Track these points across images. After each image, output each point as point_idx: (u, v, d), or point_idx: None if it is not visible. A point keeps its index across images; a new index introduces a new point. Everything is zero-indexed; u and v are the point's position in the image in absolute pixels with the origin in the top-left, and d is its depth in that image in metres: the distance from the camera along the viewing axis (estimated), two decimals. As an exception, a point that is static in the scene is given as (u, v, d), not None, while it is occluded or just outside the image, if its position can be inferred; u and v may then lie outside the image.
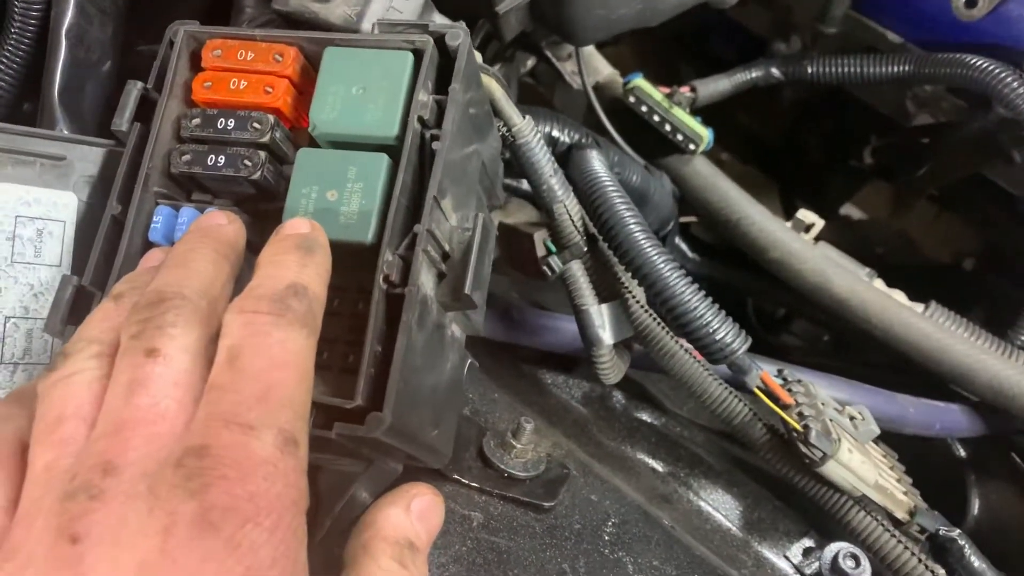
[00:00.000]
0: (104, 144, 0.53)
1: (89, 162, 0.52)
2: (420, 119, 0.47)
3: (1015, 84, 0.78)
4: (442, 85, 0.49)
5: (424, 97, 0.47)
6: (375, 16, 0.55)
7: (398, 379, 0.43)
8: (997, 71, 0.80)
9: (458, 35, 0.48)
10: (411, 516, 0.45)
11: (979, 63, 0.81)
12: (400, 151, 0.47)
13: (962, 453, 0.92)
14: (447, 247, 0.48)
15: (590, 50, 0.92)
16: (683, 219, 0.98)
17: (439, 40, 0.48)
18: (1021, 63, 0.81)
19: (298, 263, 0.41)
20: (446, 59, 0.49)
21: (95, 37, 0.54)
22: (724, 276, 1.00)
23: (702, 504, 0.65)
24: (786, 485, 0.66)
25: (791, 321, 1.10)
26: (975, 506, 0.89)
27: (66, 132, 0.54)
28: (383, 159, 0.46)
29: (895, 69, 0.89)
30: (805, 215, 0.87)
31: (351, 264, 0.48)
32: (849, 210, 1.36)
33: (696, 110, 0.90)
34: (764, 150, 1.34)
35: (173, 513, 0.31)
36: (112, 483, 0.33)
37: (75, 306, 0.47)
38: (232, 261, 0.43)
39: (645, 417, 0.71)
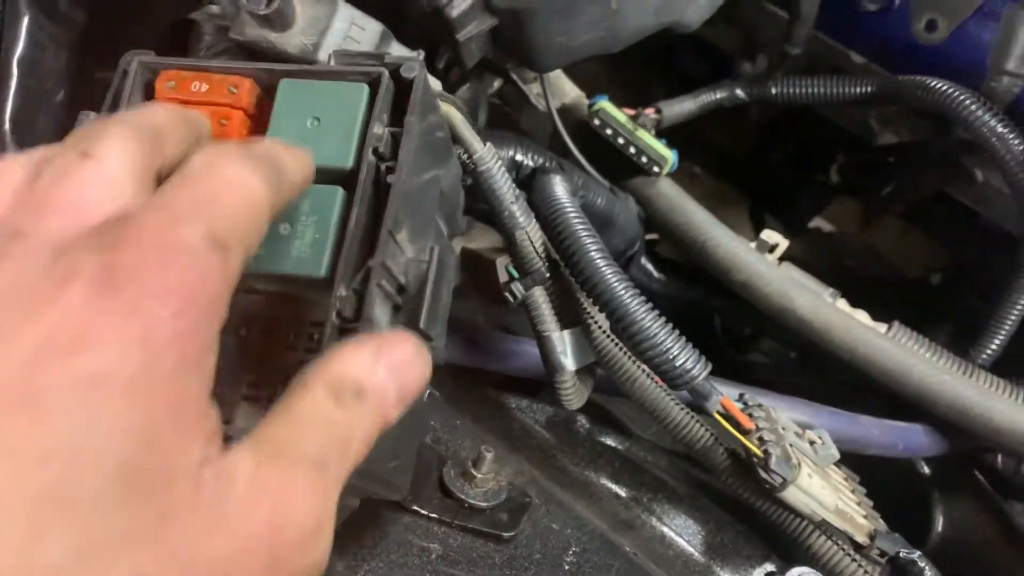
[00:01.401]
0: (56, 174, 0.52)
1: (41, 193, 0.51)
2: (375, 151, 0.47)
3: (973, 107, 0.79)
4: (398, 115, 0.48)
5: (379, 130, 0.47)
6: (332, 46, 0.55)
7: (352, 415, 0.42)
8: (957, 94, 0.81)
9: (413, 67, 0.48)
10: (376, 361, 0.38)
11: (939, 86, 0.82)
12: (355, 183, 0.47)
13: (926, 471, 0.93)
14: (403, 280, 0.48)
15: (556, 72, 0.92)
16: (648, 236, 0.99)
17: (395, 71, 0.48)
18: (980, 85, 0.83)
19: (282, 149, 0.40)
20: (402, 89, 0.49)
21: (48, 66, 0.53)
22: (691, 295, 1.00)
23: (665, 529, 0.65)
24: (748, 509, 0.67)
25: (759, 339, 1.11)
26: (939, 523, 0.90)
27: (17, 162, 0.53)
28: (337, 192, 0.46)
29: (858, 90, 0.90)
30: (769, 235, 0.87)
31: (305, 298, 0.47)
32: (818, 223, 1.38)
33: (662, 131, 0.90)
34: (733, 165, 1.35)
35: (74, 269, 0.29)
36: (17, 245, 0.31)
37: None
38: (198, 134, 0.40)
39: (609, 441, 0.71)
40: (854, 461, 0.76)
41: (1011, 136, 0.79)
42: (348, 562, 0.53)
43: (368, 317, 0.44)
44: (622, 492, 0.67)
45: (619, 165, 0.87)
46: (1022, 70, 0.79)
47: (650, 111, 0.89)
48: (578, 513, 0.61)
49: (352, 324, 0.44)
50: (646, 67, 1.22)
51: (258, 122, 0.50)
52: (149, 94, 0.51)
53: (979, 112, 0.79)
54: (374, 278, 0.44)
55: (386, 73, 0.48)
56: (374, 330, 0.45)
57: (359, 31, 0.55)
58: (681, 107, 0.93)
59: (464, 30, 0.61)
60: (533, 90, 0.89)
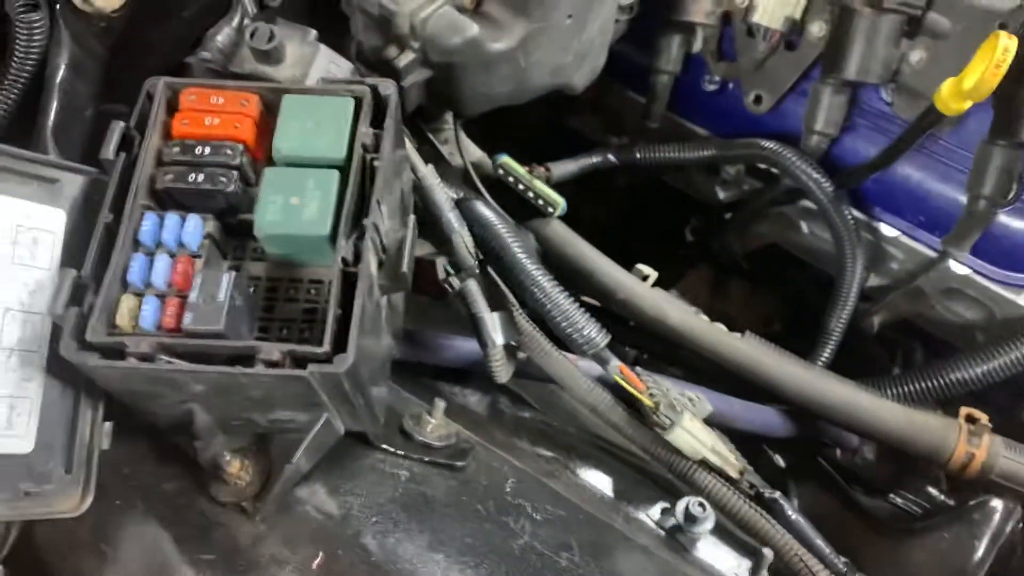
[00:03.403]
0: (89, 172, 0.64)
1: (76, 186, 0.63)
2: (363, 145, 0.62)
3: (793, 157, 1.02)
4: (378, 122, 0.64)
5: (365, 128, 0.62)
6: (316, 77, 0.70)
7: (357, 330, 0.55)
8: (782, 148, 1.04)
9: (389, 86, 0.64)
10: None
11: (768, 143, 1.05)
12: (346, 170, 0.61)
13: (782, 464, 1.11)
14: (384, 242, 0.62)
15: (463, 137, 1.09)
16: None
17: (374, 89, 0.64)
18: (798, 143, 1.06)
19: None
20: (378, 105, 0.65)
21: (80, 91, 0.66)
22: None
23: (579, 480, 0.79)
24: (643, 465, 0.82)
25: (642, 363, 1.28)
26: (796, 503, 1.08)
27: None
28: (335, 173, 0.60)
29: (705, 152, 1.12)
30: (642, 268, 1.06)
31: (308, 258, 0.61)
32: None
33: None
34: (604, 239, 1.55)
35: None
36: None
37: (74, 294, 0.57)
38: None
39: (527, 415, 0.85)
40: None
41: (822, 179, 1.02)
42: (333, 482, 0.64)
43: (365, 261, 0.58)
44: (543, 452, 0.80)
45: (519, 210, 1.05)
46: (827, 130, 1.03)
47: (542, 168, 1.08)
48: (511, 461, 0.74)
49: (352, 268, 0.58)
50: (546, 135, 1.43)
51: (263, 130, 0.64)
52: (172, 108, 0.64)
53: (797, 161, 1.02)
54: (369, 232, 0.59)
55: (369, 89, 0.63)
56: (368, 272, 0.58)
57: (336, 68, 0.71)
58: (566, 167, 1.13)
59: (407, 78, 0.78)
60: (446, 150, 1.06)
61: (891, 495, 1.10)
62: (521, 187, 1.02)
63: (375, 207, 0.60)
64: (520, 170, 1.03)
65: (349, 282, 0.58)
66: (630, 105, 1.23)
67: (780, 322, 1.50)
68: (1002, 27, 0.92)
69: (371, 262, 0.59)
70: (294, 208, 0.59)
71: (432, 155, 1.06)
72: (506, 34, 0.79)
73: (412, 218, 0.65)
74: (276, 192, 0.60)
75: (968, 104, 0.85)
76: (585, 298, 1.03)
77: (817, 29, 1.02)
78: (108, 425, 0.63)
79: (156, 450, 0.66)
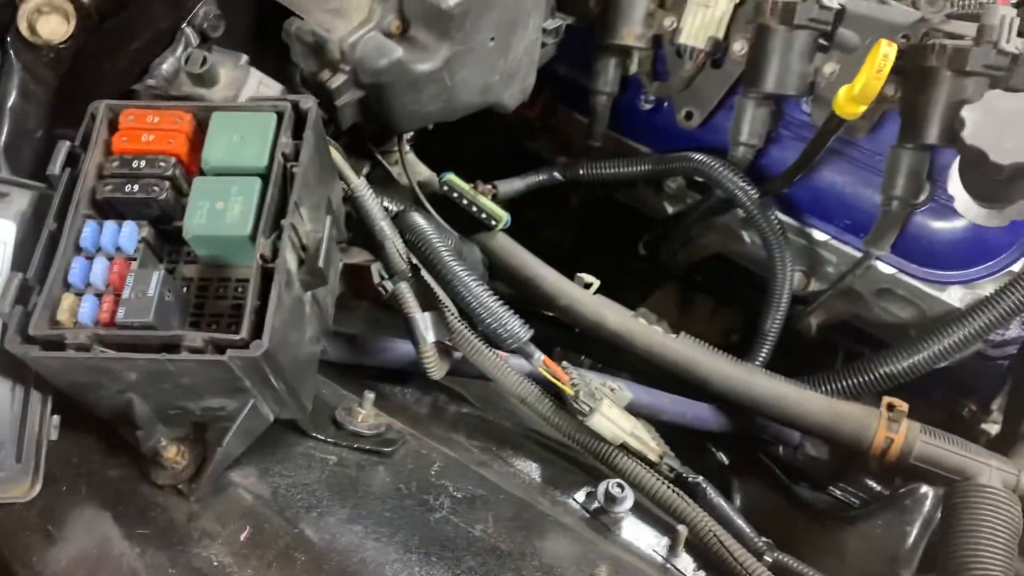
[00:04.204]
0: (38, 187, 0.70)
1: (25, 200, 0.69)
2: (283, 154, 0.68)
3: (720, 167, 1.08)
4: (299, 135, 0.70)
5: (286, 139, 0.68)
6: (247, 96, 0.77)
7: (272, 319, 0.61)
8: (711, 160, 1.10)
9: (308, 101, 0.70)
10: None
11: (697, 155, 1.11)
12: (269, 178, 0.67)
13: (725, 461, 1.16)
14: (304, 242, 0.68)
15: (412, 157, 1.16)
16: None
17: (295, 105, 0.70)
18: (727, 155, 1.12)
19: None
20: (301, 120, 0.71)
21: (31, 114, 0.73)
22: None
23: (510, 469, 0.84)
24: (575, 456, 0.87)
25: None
26: (738, 500, 1.12)
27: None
28: (257, 180, 0.67)
29: (643, 167, 1.18)
30: (583, 276, 1.11)
31: (234, 259, 0.67)
32: (645, 315, 1.63)
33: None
34: (564, 259, 1.61)
35: None
36: None
37: (19, 295, 0.63)
38: None
39: (465, 411, 0.90)
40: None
41: (748, 187, 1.08)
42: (264, 466, 0.69)
43: (282, 257, 0.64)
44: (477, 444, 0.85)
45: (466, 225, 1.11)
46: (751, 141, 1.09)
47: (488, 186, 1.14)
48: (442, 450, 0.79)
49: (271, 264, 0.64)
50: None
51: (196, 145, 0.71)
52: (114, 127, 0.71)
53: (723, 171, 1.08)
54: (286, 232, 0.65)
55: (289, 105, 0.70)
56: (286, 267, 0.64)
57: (265, 88, 0.77)
58: (513, 185, 1.19)
59: (340, 98, 0.84)
60: (395, 171, 1.12)
61: (831, 488, 1.15)
62: (465, 202, 1.08)
63: (293, 209, 0.66)
64: (464, 186, 1.09)
65: (268, 276, 0.64)
66: (577, 126, 1.30)
67: (738, 334, 1.55)
68: (905, 38, 0.99)
69: (289, 259, 0.65)
70: (219, 212, 0.65)
71: (383, 176, 1.13)
72: (430, 56, 0.86)
73: (329, 219, 0.71)
74: (203, 198, 0.66)
75: (862, 108, 0.91)
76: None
77: (739, 47, 1.09)
78: (56, 418, 0.69)
79: (103, 442, 0.71)
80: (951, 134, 0.94)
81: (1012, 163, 0.88)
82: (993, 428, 1.29)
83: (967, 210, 1.00)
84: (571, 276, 1.61)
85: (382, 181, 1.14)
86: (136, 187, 0.67)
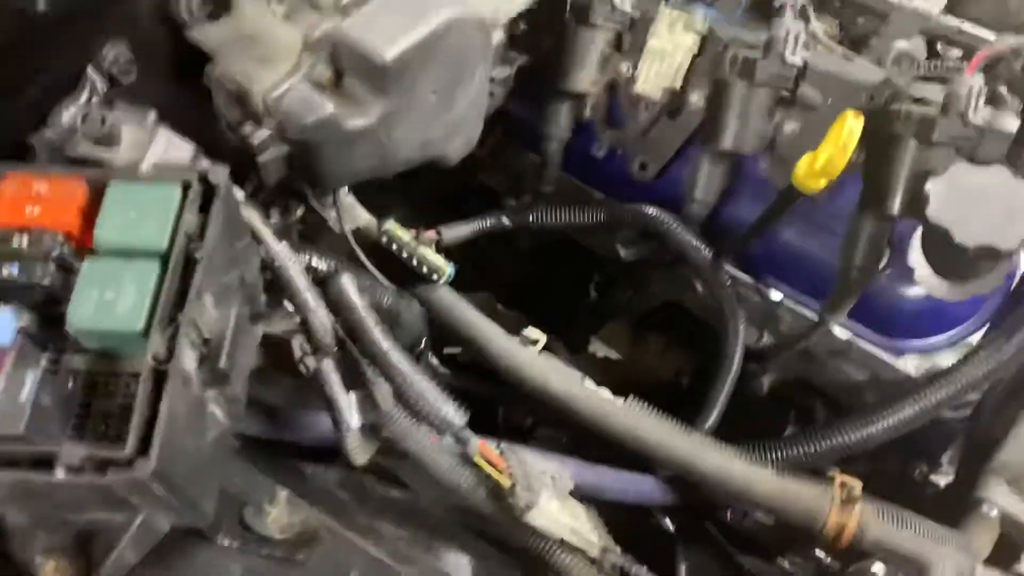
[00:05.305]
0: (-95, 262, 0.62)
1: None
2: (186, 234, 0.60)
3: (674, 224, 1.03)
4: (207, 210, 0.62)
5: (191, 217, 0.61)
6: (153, 160, 0.69)
7: (163, 432, 0.54)
8: (663, 217, 1.05)
9: (218, 173, 0.63)
10: None
11: (651, 209, 1.06)
12: (169, 261, 0.60)
13: (671, 528, 1.11)
14: (207, 335, 0.60)
15: (351, 200, 1.09)
16: (449, 350, 1.15)
17: (203, 176, 0.63)
18: (681, 210, 1.07)
19: None
20: (210, 192, 0.63)
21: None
22: (475, 388, 1.16)
23: (439, 564, 0.78)
24: (506, 545, 0.81)
25: (536, 428, 1.27)
26: (682, 571, 1.07)
27: None
28: (155, 265, 0.59)
29: (594, 217, 1.12)
30: (531, 332, 1.05)
31: (123, 354, 0.59)
32: (596, 347, 1.58)
33: (446, 249, 1.08)
34: (517, 292, 1.55)
35: None
36: None
37: None
38: None
39: (395, 495, 0.83)
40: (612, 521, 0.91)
41: (701, 246, 1.03)
42: (158, 583, 0.62)
43: (177, 358, 0.56)
44: (404, 535, 0.79)
45: (407, 276, 1.04)
46: (707, 198, 1.04)
47: (431, 233, 1.07)
48: (362, 547, 0.73)
49: (164, 365, 0.57)
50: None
51: (88, 217, 0.63)
52: (-4, 195, 0.62)
53: (676, 228, 1.03)
54: (183, 328, 0.57)
55: (196, 177, 0.62)
56: (182, 369, 0.57)
57: (175, 150, 0.70)
58: (458, 230, 1.12)
59: (264, 154, 0.77)
60: (331, 215, 1.05)
61: (780, 559, 1.10)
62: (405, 255, 1.02)
63: (192, 300, 0.58)
64: (405, 237, 1.02)
65: (161, 378, 0.56)
66: (529, 165, 1.24)
67: (688, 377, 1.50)
68: (870, 99, 0.95)
69: (187, 357, 0.58)
70: (108, 303, 0.58)
71: (316, 223, 1.05)
72: (364, 112, 0.78)
73: (234, 311, 0.64)
74: (91, 286, 0.58)
75: (824, 182, 0.86)
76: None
77: (696, 98, 1.03)
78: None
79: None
80: (915, 205, 0.89)
81: (977, 244, 0.84)
82: (942, 480, 1.26)
83: (927, 283, 0.96)
84: (523, 309, 1.58)
85: (315, 228, 1.07)
86: (16, 270, 0.59)
